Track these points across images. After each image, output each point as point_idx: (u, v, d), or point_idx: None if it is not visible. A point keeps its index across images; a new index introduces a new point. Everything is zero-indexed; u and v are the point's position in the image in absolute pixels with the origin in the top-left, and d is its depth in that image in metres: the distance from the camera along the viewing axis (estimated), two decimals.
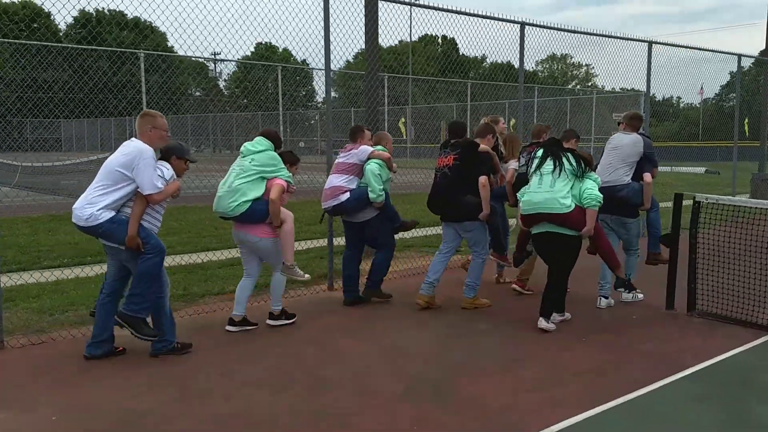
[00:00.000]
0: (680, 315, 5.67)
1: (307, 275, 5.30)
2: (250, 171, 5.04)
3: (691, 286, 5.66)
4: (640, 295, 6.13)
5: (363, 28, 7.60)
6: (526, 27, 8.03)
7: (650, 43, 9.55)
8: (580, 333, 5.20)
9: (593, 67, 50.83)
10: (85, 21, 31.62)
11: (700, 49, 10.62)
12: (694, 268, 5.67)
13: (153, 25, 29.53)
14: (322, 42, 7.74)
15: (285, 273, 5.21)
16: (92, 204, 4.21)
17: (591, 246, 5.45)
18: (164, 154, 4.57)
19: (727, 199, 5.59)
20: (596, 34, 8.96)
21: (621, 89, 20.70)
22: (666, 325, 5.42)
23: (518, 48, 8.00)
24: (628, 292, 6.11)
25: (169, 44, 35.53)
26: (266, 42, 28.88)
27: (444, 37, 45.79)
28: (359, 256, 6.16)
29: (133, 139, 4.43)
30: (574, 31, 8.56)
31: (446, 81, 26.02)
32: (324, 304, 6.11)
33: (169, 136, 4.55)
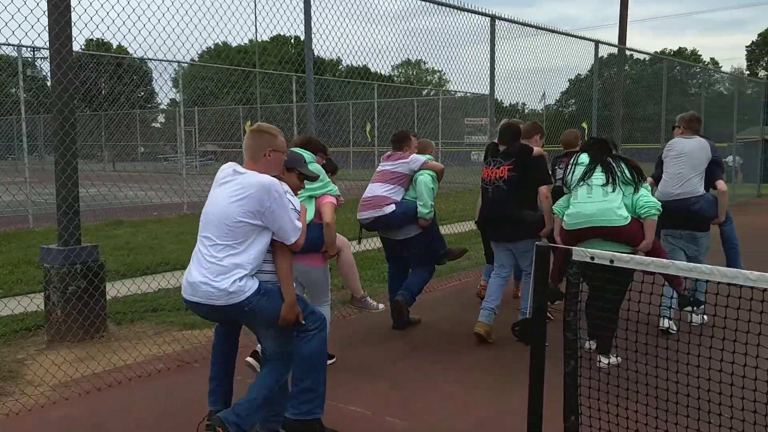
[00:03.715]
0: None
1: (381, 305, 4.92)
2: None
3: (571, 418, 2.77)
4: (706, 317, 5.35)
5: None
6: None
7: (493, 18, 8.10)
8: None
9: (446, 73, 51.25)
10: None
11: (553, 31, 9.42)
12: (575, 380, 2.78)
13: None
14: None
15: (356, 307, 4.88)
16: (228, 273, 2.89)
17: None
18: None
19: (601, 255, 3.54)
20: None
21: (473, 94, 19.74)
22: None
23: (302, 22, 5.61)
24: (697, 314, 5.37)
25: None
26: (98, 38, 24.98)
27: (297, 38, 43.81)
28: (405, 272, 5.42)
29: (242, 170, 3.06)
30: None
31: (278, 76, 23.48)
32: None
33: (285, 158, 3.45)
